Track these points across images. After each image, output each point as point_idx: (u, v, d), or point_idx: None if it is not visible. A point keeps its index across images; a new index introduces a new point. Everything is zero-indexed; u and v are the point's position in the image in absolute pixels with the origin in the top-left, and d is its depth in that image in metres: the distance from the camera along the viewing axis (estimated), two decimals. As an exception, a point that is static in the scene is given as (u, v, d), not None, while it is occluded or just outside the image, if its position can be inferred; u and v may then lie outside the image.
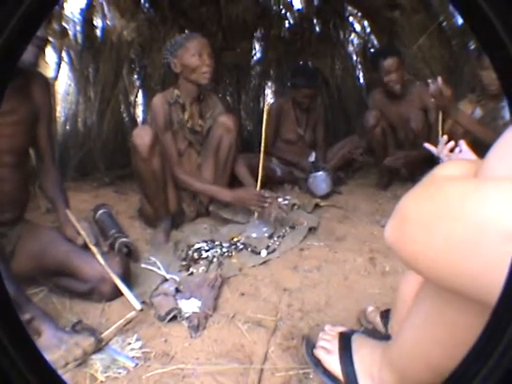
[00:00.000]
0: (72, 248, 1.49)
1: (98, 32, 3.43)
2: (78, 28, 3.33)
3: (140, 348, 1.19)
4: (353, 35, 4.28)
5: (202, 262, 1.79)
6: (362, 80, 4.33)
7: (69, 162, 3.17)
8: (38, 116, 1.57)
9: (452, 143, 1.47)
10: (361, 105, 3.99)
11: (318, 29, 4.31)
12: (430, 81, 2.12)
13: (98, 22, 3.43)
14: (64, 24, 3.21)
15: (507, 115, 2.27)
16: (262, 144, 2.12)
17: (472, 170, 0.60)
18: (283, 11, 4.31)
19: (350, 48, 4.32)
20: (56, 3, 2.62)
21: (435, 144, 1.62)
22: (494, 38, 0.63)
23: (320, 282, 1.61)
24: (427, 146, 1.66)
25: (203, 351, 1.18)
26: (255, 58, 4.39)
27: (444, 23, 3.33)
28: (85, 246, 1.50)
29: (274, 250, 1.90)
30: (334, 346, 0.99)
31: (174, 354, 1.17)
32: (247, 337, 1.24)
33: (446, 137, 1.54)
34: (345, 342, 0.98)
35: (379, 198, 2.77)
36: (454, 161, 0.67)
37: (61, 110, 3.36)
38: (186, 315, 1.32)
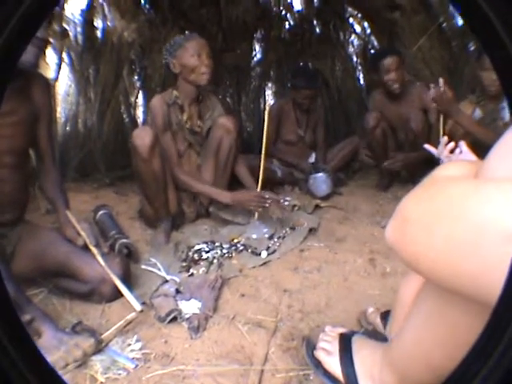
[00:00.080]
0: (72, 249, 1.49)
1: (99, 33, 3.43)
2: (79, 29, 3.33)
3: (140, 349, 1.19)
4: (353, 36, 4.28)
5: (202, 263, 1.79)
6: (362, 81, 4.32)
7: (69, 163, 3.17)
8: (38, 117, 1.57)
9: (452, 144, 1.47)
10: (361, 106, 3.99)
11: (318, 30, 4.31)
12: (432, 85, 2.12)
13: (98, 23, 3.43)
14: (64, 25, 3.21)
15: (507, 116, 2.26)
16: (263, 146, 2.12)
17: (472, 171, 0.60)
18: (283, 12, 4.31)
19: (351, 49, 4.31)
20: (56, 4, 2.62)
21: (435, 145, 1.62)
22: (494, 38, 0.63)
23: (320, 283, 1.61)
24: (427, 147, 1.66)
25: (203, 352, 1.18)
26: (255, 59, 4.39)
27: (444, 24, 3.33)
28: (85, 247, 1.50)
29: (274, 251, 1.90)
30: (335, 347, 0.99)
31: (174, 355, 1.17)
32: (247, 338, 1.24)
33: (446, 138, 1.53)
34: (345, 343, 0.98)
35: (379, 199, 2.77)
36: (455, 162, 0.67)
37: (61, 111, 3.35)
38: (186, 316, 1.32)
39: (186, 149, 2.28)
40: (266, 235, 2.06)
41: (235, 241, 2.01)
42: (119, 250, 1.76)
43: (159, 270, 1.70)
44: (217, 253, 1.87)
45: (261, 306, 1.44)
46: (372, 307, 1.29)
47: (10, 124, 1.45)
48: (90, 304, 1.45)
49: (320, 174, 2.83)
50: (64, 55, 3.27)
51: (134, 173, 2.08)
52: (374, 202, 2.71)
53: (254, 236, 2.06)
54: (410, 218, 0.57)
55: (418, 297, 0.77)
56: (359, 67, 4.31)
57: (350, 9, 4.14)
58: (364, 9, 3.89)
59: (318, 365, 1.00)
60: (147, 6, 3.63)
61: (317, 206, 2.56)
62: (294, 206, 2.49)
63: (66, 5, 3.19)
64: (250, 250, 1.90)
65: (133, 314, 1.30)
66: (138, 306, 1.31)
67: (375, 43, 4.04)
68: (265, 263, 1.81)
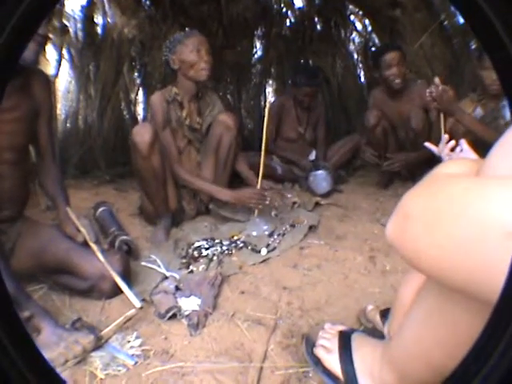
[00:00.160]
0: (72, 245, 1.49)
1: (99, 29, 3.43)
2: (79, 25, 3.33)
3: (140, 346, 1.19)
4: (354, 34, 4.27)
5: (202, 260, 1.79)
6: (362, 79, 4.32)
7: (69, 160, 3.17)
8: (39, 113, 1.57)
9: (453, 142, 1.46)
10: (362, 103, 3.98)
11: (319, 27, 4.30)
12: (432, 87, 2.11)
13: (98, 19, 3.43)
14: (65, 21, 3.21)
15: (508, 114, 2.26)
16: (263, 143, 2.11)
17: (473, 168, 0.60)
18: (284, 9, 4.30)
19: (351, 47, 4.31)
20: (57, 2, 2.61)
21: (436, 143, 1.61)
22: (495, 38, 0.63)
23: (320, 281, 1.61)
24: (428, 145, 1.66)
25: (203, 349, 1.18)
26: (256, 56, 4.39)
27: (445, 22, 3.33)
28: (85, 244, 1.50)
29: (274, 249, 1.90)
30: (334, 344, 0.99)
31: (173, 352, 1.17)
32: (247, 335, 1.24)
33: (447, 136, 1.53)
34: (345, 340, 0.98)
35: (380, 196, 2.77)
36: (456, 160, 0.67)
37: (61, 108, 3.36)
38: (186, 313, 1.32)
39: (185, 146, 2.28)
40: (266, 232, 2.06)
41: (235, 238, 2.01)
42: (119, 246, 1.76)
43: (159, 266, 1.70)
44: (216, 250, 1.87)
45: (260, 303, 1.44)
46: (372, 305, 1.29)
47: (10, 120, 1.44)
48: (89, 300, 1.45)
49: (320, 172, 2.84)
50: (64, 52, 3.27)
51: (134, 170, 2.08)
52: (375, 199, 2.70)
53: (254, 233, 2.06)
54: (410, 216, 0.56)
55: (418, 295, 0.77)
56: (360, 65, 4.31)
57: (350, 6, 4.14)
58: (365, 6, 3.89)
59: (317, 362, 1.00)
60: (147, 2, 3.63)
61: (317, 204, 2.56)
62: (294, 203, 2.49)
63: (66, 1, 3.18)
64: (249, 247, 1.90)
65: (132, 311, 1.30)
66: (137, 303, 1.31)
67: (376, 41, 4.04)
68: (264, 260, 1.81)
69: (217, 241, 1.96)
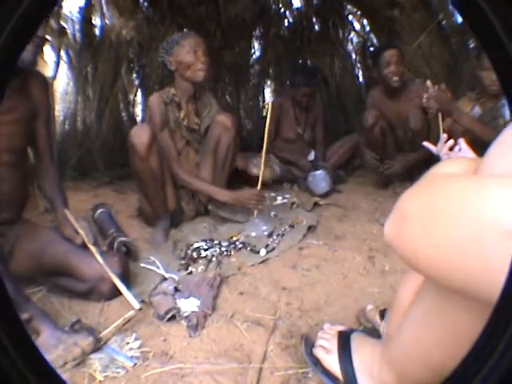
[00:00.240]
0: (71, 247, 1.48)
1: (97, 31, 3.43)
2: (77, 27, 3.32)
3: (139, 347, 1.18)
4: (352, 34, 4.28)
5: (201, 261, 1.79)
6: (361, 79, 4.32)
7: (68, 162, 3.16)
8: (37, 115, 1.57)
9: (451, 142, 1.47)
10: (360, 103, 3.98)
11: (317, 27, 4.30)
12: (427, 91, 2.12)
13: (96, 20, 3.42)
14: (62, 23, 3.21)
15: (507, 114, 2.26)
16: (265, 143, 2.10)
17: (471, 167, 0.59)
18: (282, 10, 4.30)
19: (350, 47, 4.31)
20: (56, 3, 2.61)
21: (434, 143, 1.61)
22: (494, 38, 0.62)
23: (319, 281, 1.61)
24: (426, 144, 1.66)
25: (202, 350, 1.18)
26: (254, 56, 4.39)
27: (444, 21, 3.33)
28: (83, 246, 1.50)
29: (273, 249, 1.90)
30: (333, 345, 0.99)
31: (172, 354, 1.16)
32: (246, 336, 1.24)
33: (445, 135, 1.53)
34: (344, 340, 0.98)
35: (379, 196, 2.77)
36: (454, 159, 0.66)
37: (60, 109, 3.35)
38: (185, 314, 1.32)
39: (183, 146, 2.28)
40: (265, 233, 2.06)
41: (234, 239, 2.01)
42: (118, 248, 1.76)
43: (158, 268, 1.70)
44: (215, 251, 1.87)
45: (259, 303, 1.44)
46: (371, 305, 1.29)
47: (8, 122, 1.44)
48: (88, 302, 1.44)
49: (319, 172, 2.83)
50: (62, 53, 3.26)
51: (132, 171, 2.08)
52: (373, 199, 2.70)
53: (253, 234, 2.06)
54: (408, 215, 0.56)
55: (417, 295, 0.77)
56: (358, 65, 4.31)
57: (349, 6, 4.14)
58: (363, 6, 3.89)
59: (316, 363, 1.00)
60: (145, 3, 3.62)
61: (316, 204, 2.56)
62: (293, 203, 2.49)
63: (64, 2, 3.18)
64: (248, 248, 1.90)
65: (131, 313, 1.30)
66: (136, 305, 1.31)
67: (374, 41, 4.04)
68: (264, 261, 1.80)
69: (216, 242, 1.96)
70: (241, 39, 4.16)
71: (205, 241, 1.96)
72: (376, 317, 1.22)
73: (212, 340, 1.22)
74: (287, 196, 2.66)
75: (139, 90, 3.77)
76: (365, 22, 4.10)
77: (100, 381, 1.06)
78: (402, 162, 2.85)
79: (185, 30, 3.27)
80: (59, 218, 1.57)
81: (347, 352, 0.94)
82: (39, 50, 1.48)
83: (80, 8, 3.32)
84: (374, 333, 1.10)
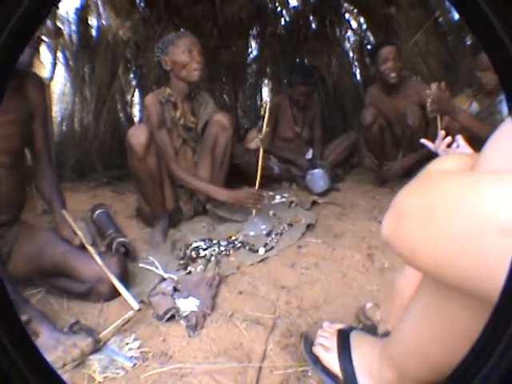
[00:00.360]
0: (69, 249, 1.48)
1: (94, 31, 3.42)
2: (73, 27, 3.31)
3: (138, 348, 1.18)
4: (349, 32, 4.28)
5: (199, 261, 1.79)
6: (358, 77, 4.32)
7: (65, 163, 3.16)
8: (33, 116, 1.56)
9: (449, 138, 1.47)
10: (357, 101, 3.99)
11: (314, 26, 4.30)
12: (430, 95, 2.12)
13: (93, 21, 3.41)
14: (59, 24, 3.20)
15: (505, 110, 2.26)
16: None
17: (468, 163, 0.59)
18: (279, 9, 4.30)
19: (347, 45, 4.31)
20: (55, 5, 2.60)
21: (432, 140, 1.62)
22: (494, 38, 0.62)
23: (318, 279, 1.61)
24: (424, 141, 1.66)
25: (201, 350, 1.18)
26: (251, 56, 4.39)
27: (440, 18, 3.33)
28: (82, 247, 1.50)
29: (271, 248, 1.90)
30: (333, 343, 0.99)
31: (172, 354, 1.16)
32: (245, 335, 1.24)
33: (443, 132, 1.53)
34: (343, 339, 0.98)
35: (377, 194, 2.77)
36: (451, 155, 0.66)
37: (57, 111, 3.34)
38: (184, 314, 1.32)
39: (181, 145, 2.28)
40: (264, 232, 2.06)
41: (233, 238, 2.01)
42: (117, 248, 1.76)
43: (157, 268, 1.70)
44: (214, 250, 1.87)
45: (259, 302, 1.43)
46: (370, 303, 1.28)
47: (5, 123, 1.44)
48: (87, 303, 1.44)
49: (317, 170, 2.84)
50: (59, 54, 3.25)
51: (130, 171, 2.07)
52: (371, 197, 2.70)
53: (252, 233, 2.06)
54: (405, 212, 0.56)
55: (416, 291, 0.77)
56: (355, 63, 4.31)
57: (345, 4, 4.14)
58: (360, 4, 3.89)
59: (316, 361, 1.00)
60: (142, 4, 3.62)
61: (314, 202, 2.56)
62: (292, 202, 2.49)
63: (60, 3, 3.16)
64: (247, 247, 1.90)
65: (131, 313, 1.30)
66: (135, 305, 1.31)
67: (371, 39, 4.04)
68: (262, 260, 1.80)
69: (214, 241, 1.95)
70: (238, 38, 4.16)
71: (203, 240, 1.96)
72: (375, 314, 1.22)
73: (211, 339, 1.22)
74: (285, 195, 2.66)
75: (136, 90, 3.77)
76: (361, 20, 4.11)
77: (99, 382, 1.06)
78: (401, 163, 2.86)
79: (181, 30, 3.27)
80: (57, 219, 1.57)
81: (347, 350, 0.94)
82: (35, 51, 1.49)
83: (76, 9, 3.31)
84: (373, 331, 1.10)
